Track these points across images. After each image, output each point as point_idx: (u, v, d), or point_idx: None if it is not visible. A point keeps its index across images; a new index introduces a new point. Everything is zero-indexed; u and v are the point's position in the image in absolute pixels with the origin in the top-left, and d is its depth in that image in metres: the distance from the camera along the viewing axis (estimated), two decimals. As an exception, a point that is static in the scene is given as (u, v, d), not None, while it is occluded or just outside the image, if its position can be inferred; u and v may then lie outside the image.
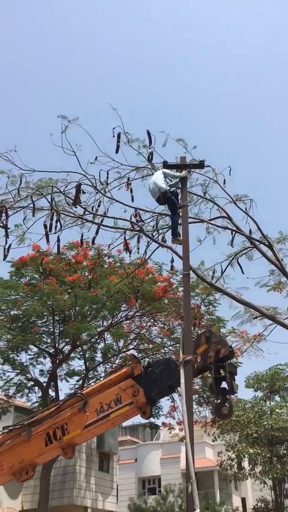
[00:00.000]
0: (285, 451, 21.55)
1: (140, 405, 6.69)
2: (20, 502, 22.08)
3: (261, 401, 22.60)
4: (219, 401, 6.86)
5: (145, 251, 10.09)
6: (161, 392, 6.93)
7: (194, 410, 16.43)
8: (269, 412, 21.55)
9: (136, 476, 33.22)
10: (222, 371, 6.39)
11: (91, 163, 9.04)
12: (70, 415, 7.01)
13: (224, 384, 6.45)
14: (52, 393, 18.25)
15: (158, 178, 8.35)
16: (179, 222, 8.36)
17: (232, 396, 7.26)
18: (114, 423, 7.27)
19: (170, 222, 8.74)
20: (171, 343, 17.35)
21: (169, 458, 32.04)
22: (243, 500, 33.68)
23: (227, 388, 6.44)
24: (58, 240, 9.84)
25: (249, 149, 71.76)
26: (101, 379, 18.71)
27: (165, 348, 17.60)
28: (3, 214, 8.81)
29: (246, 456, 21.80)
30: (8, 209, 8.93)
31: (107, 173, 9.41)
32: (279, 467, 20.10)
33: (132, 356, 7.38)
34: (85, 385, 18.51)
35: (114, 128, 9.09)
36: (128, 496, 27.95)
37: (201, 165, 8.90)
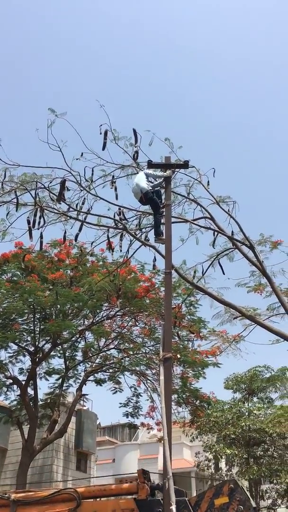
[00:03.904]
0: (262, 452, 21.66)
1: None
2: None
3: (239, 403, 22.73)
4: None
5: (128, 250, 10.12)
6: None
7: (173, 411, 16.58)
8: (247, 414, 21.67)
9: (113, 478, 33.18)
10: None
11: (76, 159, 9.06)
12: None
13: None
14: (31, 391, 18.14)
15: (141, 179, 8.42)
16: (162, 221, 8.43)
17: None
18: None
19: (153, 222, 8.80)
20: (152, 342, 17.41)
21: (147, 459, 32.06)
22: (220, 501, 33.84)
23: None
24: (41, 237, 9.83)
25: (234, 152, 72.42)
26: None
27: (146, 348, 17.66)
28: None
29: (223, 457, 21.87)
30: (-9, 204, 8.88)
31: (92, 170, 9.43)
32: (256, 468, 20.17)
33: (140, 473, 6.41)
34: (64, 384, 18.49)
35: (101, 125, 9.12)
36: (105, 496, 27.85)
37: (185, 165, 8.99)
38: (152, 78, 69.47)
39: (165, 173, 8.50)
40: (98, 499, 6.71)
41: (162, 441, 6.26)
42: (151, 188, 8.29)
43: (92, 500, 6.65)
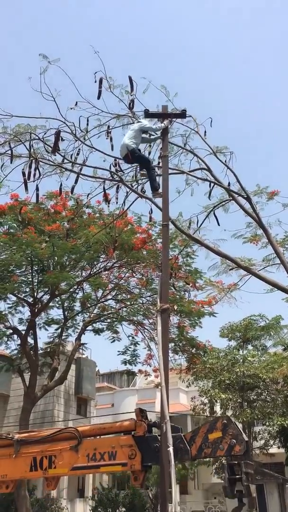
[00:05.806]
0: (255, 397, 22.56)
1: (134, 469, 6.21)
2: None
3: (234, 350, 23.40)
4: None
5: (124, 202, 10.03)
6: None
7: (170, 358, 17.00)
8: (241, 360, 22.36)
9: (112, 420, 34.57)
10: (236, 469, 5.55)
11: (71, 108, 8.78)
12: (60, 449, 6.69)
13: (239, 485, 5.61)
14: (31, 341, 18.55)
15: (127, 136, 8.22)
16: (157, 173, 8.34)
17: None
18: (103, 473, 6.71)
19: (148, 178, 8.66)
20: (149, 293, 17.66)
21: (145, 404, 33.26)
22: (214, 442, 35.45)
23: (243, 491, 5.58)
24: (37, 189, 9.70)
25: (233, 102, 70.61)
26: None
27: (143, 298, 17.92)
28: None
29: (218, 401, 22.78)
30: (-15, 155, 8.73)
31: (87, 120, 9.17)
32: (249, 411, 21.08)
33: (138, 411, 6.56)
34: (63, 334, 18.89)
35: (96, 72, 8.80)
36: (105, 438, 29.14)
37: (182, 114, 8.77)
38: (149, 22, 66.53)
39: (162, 125, 8.33)
40: (98, 437, 6.95)
41: (160, 388, 6.46)
42: (135, 146, 8.11)
43: (92, 438, 6.87)
